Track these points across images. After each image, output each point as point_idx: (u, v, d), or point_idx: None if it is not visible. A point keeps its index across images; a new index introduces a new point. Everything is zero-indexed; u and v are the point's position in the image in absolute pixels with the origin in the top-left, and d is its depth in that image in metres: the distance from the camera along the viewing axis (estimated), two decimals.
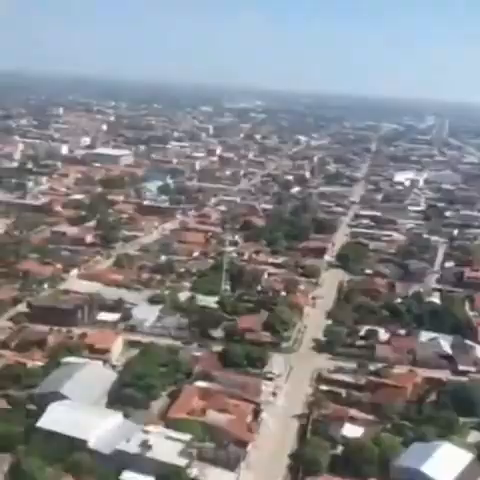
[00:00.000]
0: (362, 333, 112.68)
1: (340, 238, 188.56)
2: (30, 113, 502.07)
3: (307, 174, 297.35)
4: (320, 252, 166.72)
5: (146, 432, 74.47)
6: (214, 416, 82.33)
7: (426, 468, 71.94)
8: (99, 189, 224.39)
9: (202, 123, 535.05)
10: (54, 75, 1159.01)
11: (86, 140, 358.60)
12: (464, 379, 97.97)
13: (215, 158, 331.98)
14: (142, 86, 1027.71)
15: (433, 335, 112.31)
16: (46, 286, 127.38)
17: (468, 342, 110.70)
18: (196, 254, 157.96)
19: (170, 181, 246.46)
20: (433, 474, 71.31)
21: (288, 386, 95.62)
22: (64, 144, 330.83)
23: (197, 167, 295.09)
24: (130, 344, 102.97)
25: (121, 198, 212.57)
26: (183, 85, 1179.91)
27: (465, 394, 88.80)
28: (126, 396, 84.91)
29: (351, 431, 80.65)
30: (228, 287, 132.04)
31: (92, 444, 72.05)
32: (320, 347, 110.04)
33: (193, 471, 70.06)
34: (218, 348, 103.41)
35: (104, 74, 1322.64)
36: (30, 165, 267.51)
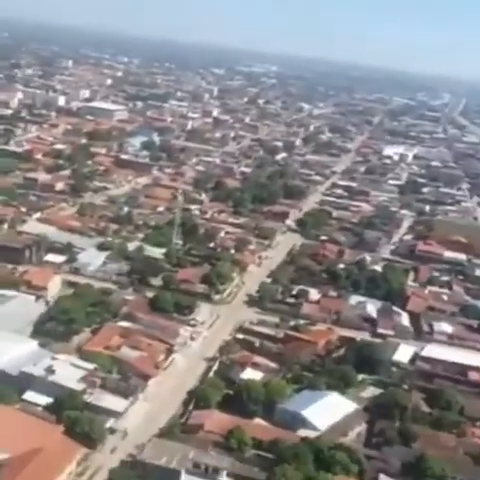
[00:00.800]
0: (294, 292, 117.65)
1: (310, 205, 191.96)
2: (39, 63, 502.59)
3: (297, 141, 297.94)
4: (283, 216, 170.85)
5: (54, 359, 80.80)
6: (126, 352, 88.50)
7: (306, 412, 77.78)
8: (84, 141, 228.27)
9: (209, 85, 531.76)
10: (77, 28, 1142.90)
11: (85, 93, 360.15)
12: (378, 341, 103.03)
13: (210, 119, 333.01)
14: (161, 45, 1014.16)
15: (362, 299, 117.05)
16: (6, 226, 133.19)
17: (395, 308, 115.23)
18: (161, 209, 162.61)
19: (156, 138, 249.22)
20: (311, 418, 77.12)
21: (209, 333, 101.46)
22: (62, 95, 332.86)
23: (189, 127, 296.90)
24: (69, 284, 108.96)
25: (103, 151, 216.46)
26: (204, 47, 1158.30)
27: (368, 353, 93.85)
28: (49, 328, 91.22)
29: (250, 375, 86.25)
30: (180, 241, 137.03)
31: (1, 365, 78.34)
32: (252, 302, 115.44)
33: (89, 396, 76.30)
34: (152, 294, 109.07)
35: (126, 30, 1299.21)
36: (24, 113, 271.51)
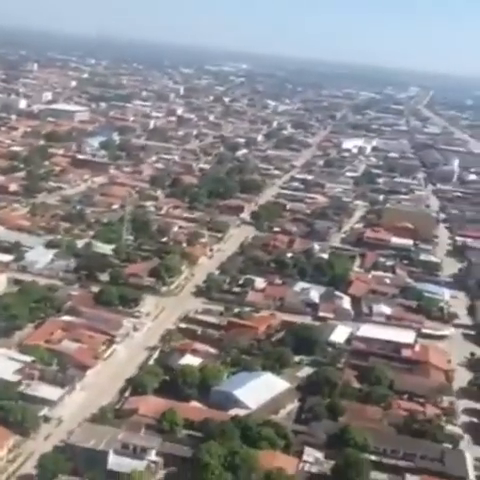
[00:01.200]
0: (241, 281, 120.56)
1: (266, 198, 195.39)
2: (3, 67, 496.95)
3: (259, 137, 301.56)
4: (238, 210, 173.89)
5: None
6: (67, 344, 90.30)
7: (238, 392, 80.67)
8: (42, 143, 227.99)
9: (176, 84, 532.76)
10: (49, 32, 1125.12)
11: (48, 95, 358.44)
12: (318, 323, 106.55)
13: (174, 118, 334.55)
14: (132, 46, 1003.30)
15: (307, 285, 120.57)
16: None
17: (338, 293, 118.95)
18: (115, 207, 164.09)
19: (116, 137, 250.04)
20: (243, 397, 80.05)
21: (153, 324, 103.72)
22: (23, 98, 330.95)
23: (151, 126, 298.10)
24: (16, 282, 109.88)
25: (61, 152, 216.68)
26: (175, 47, 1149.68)
27: (306, 335, 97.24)
28: None
29: (189, 361, 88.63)
30: (130, 237, 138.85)
31: None
32: (199, 292, 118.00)
33: (26, 387, 77.97)
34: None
35: (99, 33, 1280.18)
36: None
